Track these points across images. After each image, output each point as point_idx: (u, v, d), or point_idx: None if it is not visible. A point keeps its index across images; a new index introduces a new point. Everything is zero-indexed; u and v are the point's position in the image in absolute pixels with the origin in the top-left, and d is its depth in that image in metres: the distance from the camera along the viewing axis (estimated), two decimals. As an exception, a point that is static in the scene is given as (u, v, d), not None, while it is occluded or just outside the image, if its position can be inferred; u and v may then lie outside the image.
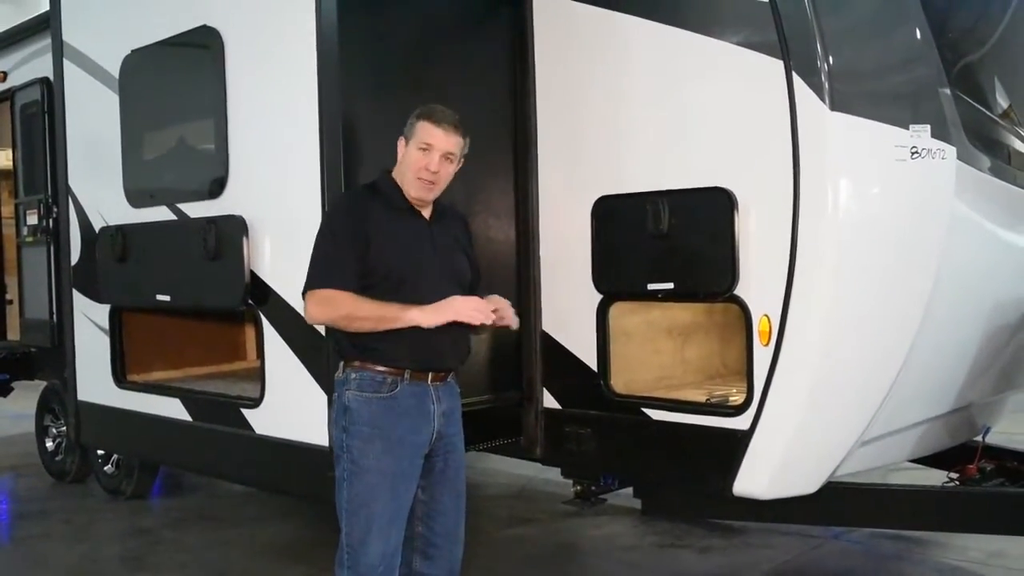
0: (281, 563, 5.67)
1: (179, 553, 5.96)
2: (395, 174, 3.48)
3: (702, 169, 4.25)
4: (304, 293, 3.37)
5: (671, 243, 4.33)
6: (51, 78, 7.30)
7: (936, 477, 5.13)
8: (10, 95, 7.94)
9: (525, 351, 4.94)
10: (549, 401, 4.93)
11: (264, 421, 4.93)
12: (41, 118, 7.47)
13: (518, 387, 4.98)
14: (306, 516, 6.61)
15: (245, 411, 5.05)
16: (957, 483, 4.87)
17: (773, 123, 3.99)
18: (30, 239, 7.62)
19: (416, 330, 3.29)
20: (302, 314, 3.44)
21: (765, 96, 4.03)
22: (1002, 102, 4.84)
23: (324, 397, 4.36)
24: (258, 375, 5.02)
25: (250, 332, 6.59)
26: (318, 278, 3.35)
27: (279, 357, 4.78)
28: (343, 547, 3.41)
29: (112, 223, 5.75)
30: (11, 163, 8.10)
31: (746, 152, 4.14)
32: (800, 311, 3.98)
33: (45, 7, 6.71)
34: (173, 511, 6.96)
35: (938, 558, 5.43)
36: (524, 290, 4.94)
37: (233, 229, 4.86)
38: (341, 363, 3.44)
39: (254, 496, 7.10)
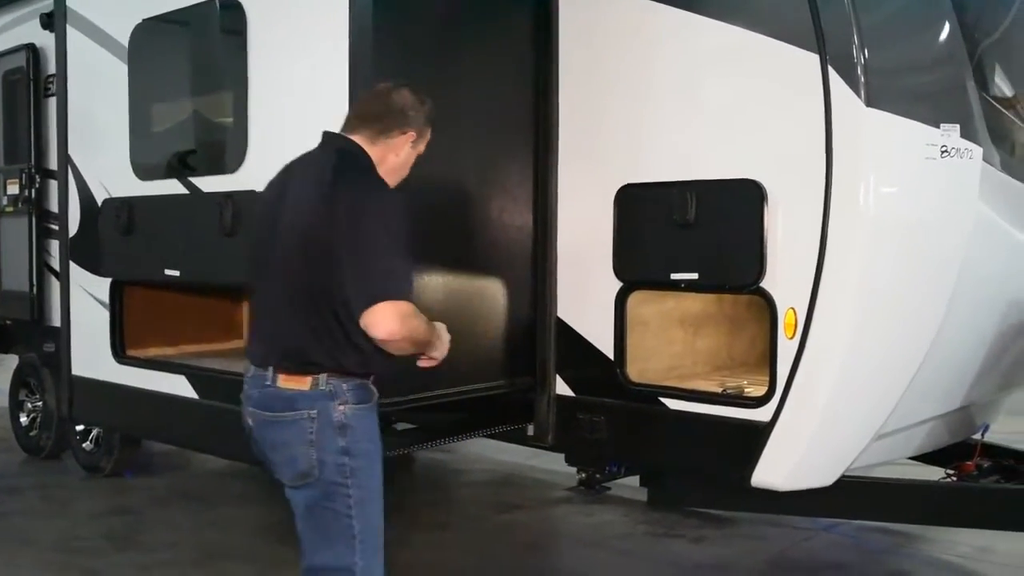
0: (273, 543, 5.60)
1: (167, 532, 5.88)
2: (375, 160, 3.13)
3: (731, 160, 4.26)
4: (381, 299, 2.86)
5: (697, 234, 4.34)
6: (37, 45, 7.19)
7: (928, 473, 5.20)
8: (-9, 60, 7.74)
9: (539, 337, 4.93)
10: (562, 388, 4.92)
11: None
12: (26, 85, 7.30)
13: (530, 373, 4.97)
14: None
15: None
16: (955, 479, 4.97)
17: (806, 117, 4.01)
18: (10, 209, 7.45)
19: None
20: (396, 311, 2.88)
21: (799, 89, 4.05)
22: (1008, 93, 4.89)
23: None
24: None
25: (247, 310, 6.49)
26: (404, 286, 2.92)
27: (294, 336, 4.70)
28: None
29: (117, 195, 5.63)
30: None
31: (777, 145, 4.16)
32: (828, 305, 4.01)
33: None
34: (155, 490, 6.85)
35: (928, 552, 5.53)
36: (540, 276, 4.93)
37: (251, 205, 4.76)
38: (322, 374, 2.99)
39: (237, 475, 7.01)
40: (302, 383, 3.00)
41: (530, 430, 5.05)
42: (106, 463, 6.97)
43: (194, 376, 5.30)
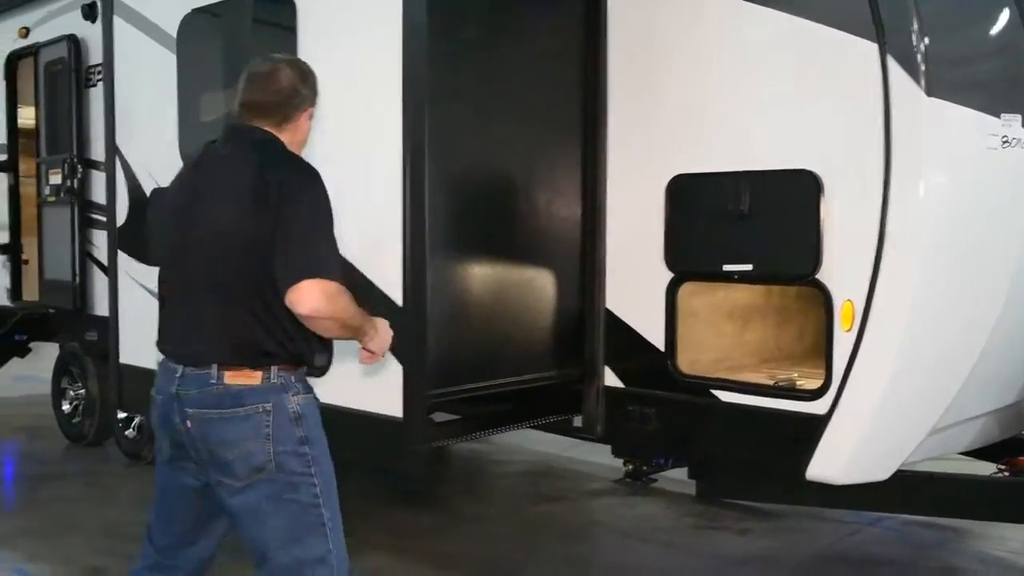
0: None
1: (212, 521, 5.89)
2: (286, 143, 3.14)
3: (787, 150, 4.21)
4: (307, 276, 2.85)
5: (752, 224, 4.29)
6: (78, 35, 7.22)
7: (977, 468, 5.13)
8: (34, 51, 7.78)
9: (588, 328, 4.90)
10: (611, 379, 4.89)
11: (329, 390, 4.84)
12: (67, 76, 7.34)
13: (579, 364, 4.94)
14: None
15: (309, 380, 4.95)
16: (1007, 474, 4.91)
17: (865, 107, 3.96)
18: (52, 199, 7.50)
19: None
20: (322, 289, 2.87)
21: (857, 79, 4.00)
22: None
23: (399, 367, 4.29)
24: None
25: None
26: (331, 266, 2.92)
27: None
28: (334, 569, 3.04)
29: (166, 185, 5.62)
30: (31, 121, 7.95)
31: (835, 135, 4.11)
32: (886, 297, 3.96)
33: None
34: (197, 478, 6.89)
35: (978, 548, 5.48)
36: (589, 267, 4.90)
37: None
38: (273, 367, 2.98)
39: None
40: (252, 378, 2.97)
41: (577, 421, 5.03)
42: (149, 451, 6.99)
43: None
